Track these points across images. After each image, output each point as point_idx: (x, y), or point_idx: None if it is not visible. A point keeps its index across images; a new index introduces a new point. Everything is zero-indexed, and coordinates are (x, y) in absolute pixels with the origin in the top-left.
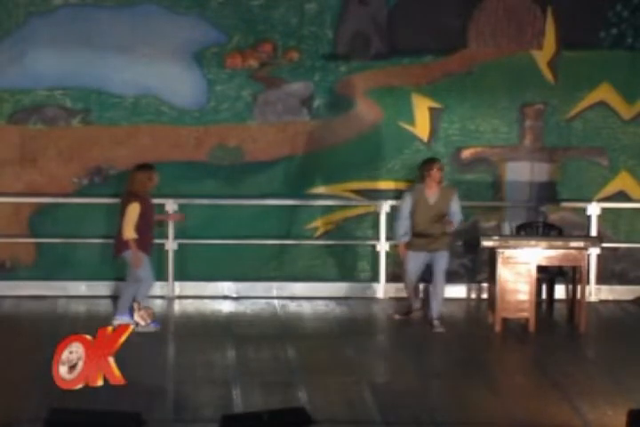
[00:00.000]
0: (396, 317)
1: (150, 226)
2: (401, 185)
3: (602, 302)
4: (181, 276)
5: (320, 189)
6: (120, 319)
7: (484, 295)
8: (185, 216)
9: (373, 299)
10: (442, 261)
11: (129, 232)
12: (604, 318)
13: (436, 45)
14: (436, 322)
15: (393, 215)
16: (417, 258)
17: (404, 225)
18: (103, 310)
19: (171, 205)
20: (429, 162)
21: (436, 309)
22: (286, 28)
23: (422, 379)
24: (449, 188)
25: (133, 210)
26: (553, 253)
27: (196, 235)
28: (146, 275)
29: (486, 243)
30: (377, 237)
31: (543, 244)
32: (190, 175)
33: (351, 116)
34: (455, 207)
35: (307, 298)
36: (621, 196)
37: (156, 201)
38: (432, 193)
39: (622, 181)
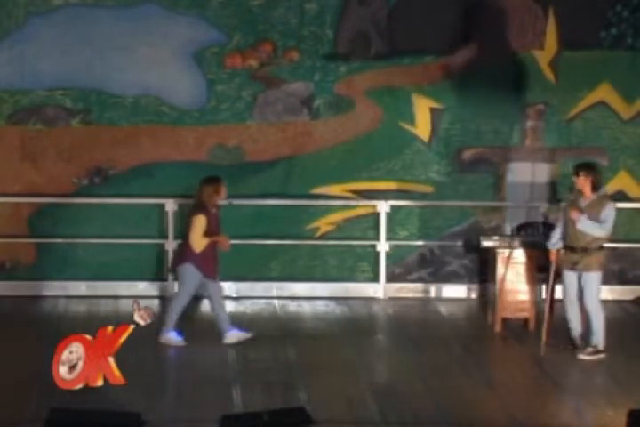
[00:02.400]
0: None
1: (214, 241)
2: (401, 185)
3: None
4: None
5: (320, 190)
6: (165, 337)
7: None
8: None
9: (373, 299)
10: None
11: (198, 245)
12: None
13: (437, 45)
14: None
15: (393, 215)
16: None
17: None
18: (103, 310)
19: (171, 205)
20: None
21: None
22: (286, 28)
23: (422, 379)
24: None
25: (199, 222)
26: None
27: None
28: (188, 293)
29: (486, 243)
30: (377, 238)
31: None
32: (190, 175)
33: (351, 117)
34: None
35: (307, 298)
36: (620, 195)
37: (156, 201)
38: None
39: (621, 181)
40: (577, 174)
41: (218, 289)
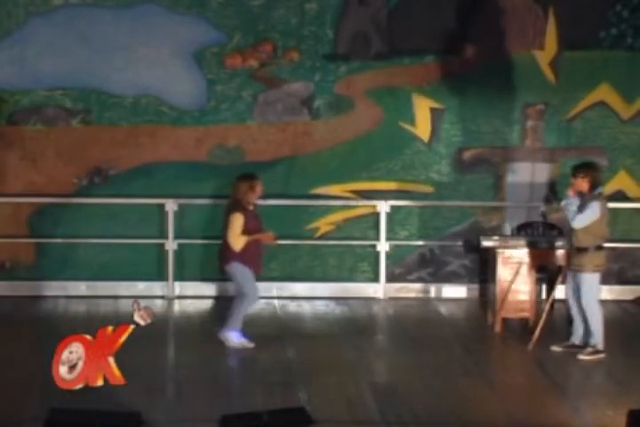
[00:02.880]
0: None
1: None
2: (401, 185)
3: (602, 301)
4: (181, 276)
5: (320, 190)
6: (226, 336)
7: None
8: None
9: (373, 299)
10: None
11: (237, 243)
12: (604, 318)
13: (437, 45)
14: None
15: (393, 215)
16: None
17: None
18: (103, 310)
19: (170, 205)
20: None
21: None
22: (286, 28)
23: (422, 379)
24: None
25: (236, 220)
26: (555, 252)
27: (195, 235)
28: (249, 290)
29: (486, 243)
30: (377, 238)
31: (542, 244)
32: (190, 175)
33: (351, 117)
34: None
35: (307, 298)
36: (620, 195)
37: (155, 201)
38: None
39: (620, 181)
40: (575, 176)
41: (254, 286)
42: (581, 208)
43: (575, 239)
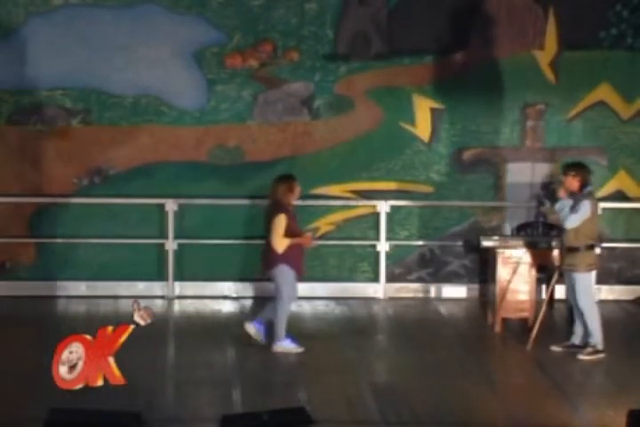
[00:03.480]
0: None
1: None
2: (401, 185)
3: (602, 301)
4: (181, 276)
5: (320, 190)
6: (280, 346)
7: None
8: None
9: (373, 299)
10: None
11: (280, 245)
12: (604, 318)
13: (437, 45)
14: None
15: (393, 216)
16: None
17: None
18: (103, 310)
19: (170, 205)
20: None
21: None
22: (286, 28)
23: (422, 379)
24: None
25: (280, 221)
26: (553, 252)
27: (195, 235)
28: (288, 293)
29: (486, 243)
30: (377, 238)
31: (542, 244)
32: (190, 175)
33: (351, 117)
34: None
35: (307, 298)
36: (619, 195)
37: (156, 201)
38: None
39: (620, 181)
40: (566, 174)
41: (293, 290)
42: (573, 208)
43: (566, 239)
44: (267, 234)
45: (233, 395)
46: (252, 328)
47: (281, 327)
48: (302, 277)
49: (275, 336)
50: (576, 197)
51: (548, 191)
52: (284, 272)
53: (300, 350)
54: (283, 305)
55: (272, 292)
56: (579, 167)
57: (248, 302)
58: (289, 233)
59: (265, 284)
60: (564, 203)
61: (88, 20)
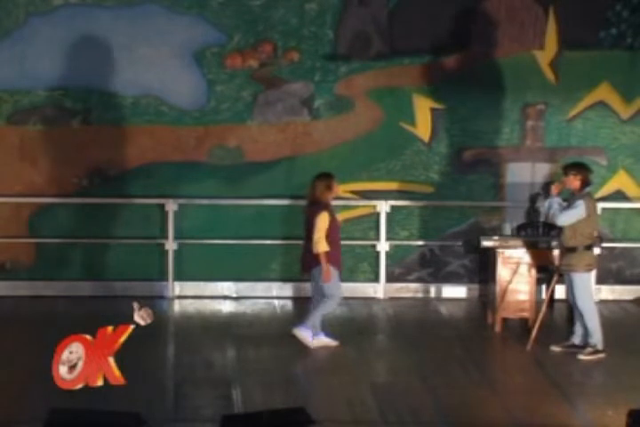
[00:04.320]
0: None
1: (338, 237)
2: (401, 186)
3: (602, 301)
4: (181, 276)
5: None
6: (300, 331)
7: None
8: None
9: (373, 299)
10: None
11: (322, 245)
12: (604, 318)
13: (437, 46)
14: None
15: (393, 216)
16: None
17: None
18: (103, 310)
19: (170, 205)
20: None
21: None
22: (286, 29)
23: (422, 379)
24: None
25: (322, 221)
26: (553, 252)
27: (195, 235)
28: (334, 291)
29: (486, 243)
30: (377, 238)
31: (543, 244)
32: (190, 175)
33: (351, 117)
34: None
35: (306, 298)
36: (619, 195)
37: (155, 201)
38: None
39: (620, 181)
40: (566, 174)
41: (339, 287)
42: (568, 206)
43: (564, 239)
44: (307, 233)
45: (233, 395)
46: (300, 333)
47: (312, 318)
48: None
49: (301, 322)
50: (574, 196)
51: (547, 191)
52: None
53: (336, 343)
54: (332, 303)
55: (313, 292)
56: (580, 167)
57: (248, 302)
58: (328, 232)
59: (265, 284)
60: (552, 201)
61: (88, 20)
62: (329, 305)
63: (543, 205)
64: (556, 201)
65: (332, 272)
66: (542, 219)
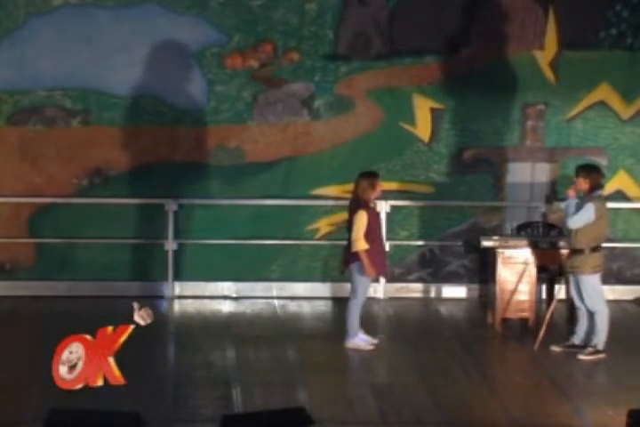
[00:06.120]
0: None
1: (378, 236)
2: (401, 185)
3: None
4: (181, 276)
5: (320, 190)
6: (352, 343)
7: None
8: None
9: (373, 299)
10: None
11: (359, 243)
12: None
13: (437, 46)
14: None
15: (393, 216)
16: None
17: None
18: (103, 310)
19: (171, 205)
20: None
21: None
22: (287, 29)
23: (422, 379)
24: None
25: (360, 219)
26: (553, 252)
27: (195, 235)
28: (361, 291)
29: (486, 243)
30: None
31: (543, 244)
32: (190, 175)
33: (351, 117)
34: None
35: (307, 298)
36: (619, 195)
37: (155, 201)
38: None
39: (620, 181)
40: (577, 175)
41: (367, 288)
42: (578, 209)
43: (571, 241)
44: (348, 230)
45: (233, 395)
46: (351, 344)
47: (354, 324)
48: (385, 276)
49: (347, 332)
50: (583, 199)
51: (555, 190)
52: (361, 269)
53: (371, 347)
54: (357, 303)
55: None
56: (589, 170)
57: (248, 302)
58: (369, 231)
59: (265, 284)
60: (571, 202)
61: (88, 20)
62: (358, 305)
63: (551, 208)
64: (572, 203)
65: (369, 271)
66: (549, 220)
